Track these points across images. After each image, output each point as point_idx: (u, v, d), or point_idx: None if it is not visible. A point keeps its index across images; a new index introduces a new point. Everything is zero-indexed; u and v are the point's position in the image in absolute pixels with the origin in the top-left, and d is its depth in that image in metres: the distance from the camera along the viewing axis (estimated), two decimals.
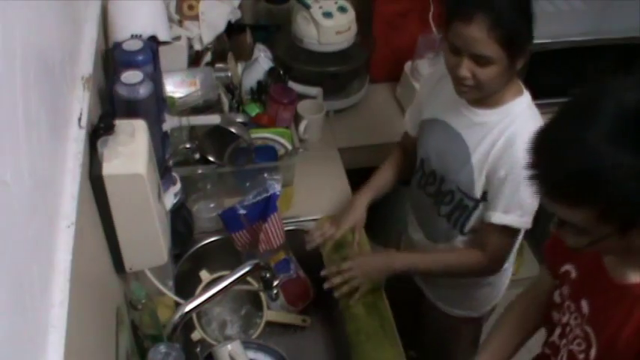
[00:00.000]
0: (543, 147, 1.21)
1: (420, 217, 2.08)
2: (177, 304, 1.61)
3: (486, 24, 1.57)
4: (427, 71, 2.45)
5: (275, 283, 1.67)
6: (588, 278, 1.41)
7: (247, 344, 1.78)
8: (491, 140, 1.76)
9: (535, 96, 2.65)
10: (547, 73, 2.56)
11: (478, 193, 1.82)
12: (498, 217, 1.78)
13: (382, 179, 2.12)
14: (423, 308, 2.26)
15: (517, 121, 1.74)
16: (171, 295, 1.64)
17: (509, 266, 2.06)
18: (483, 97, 1.75)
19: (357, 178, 2.28)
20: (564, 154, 1.15)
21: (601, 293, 1.36)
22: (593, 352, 1.35)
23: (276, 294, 1.71)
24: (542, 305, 1.57)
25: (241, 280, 1.60)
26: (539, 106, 2.65)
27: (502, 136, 1.74)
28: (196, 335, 1.89)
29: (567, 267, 1.47)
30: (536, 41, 2.43)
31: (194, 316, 1.86)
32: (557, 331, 1.47)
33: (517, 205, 1.75)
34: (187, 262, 1.99)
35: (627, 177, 1.08)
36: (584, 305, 1.38)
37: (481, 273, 2.00)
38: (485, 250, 1.86)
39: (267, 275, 1.65)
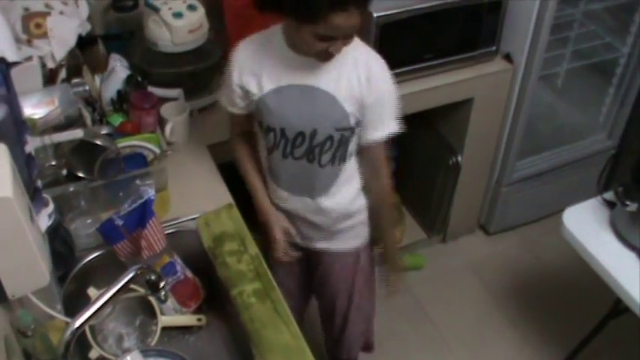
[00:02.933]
0: None
1: (294, 181, 2.16)
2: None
3: (359, 9, 1.72)
4: None
5: (162, 284, 1.67)
6: None
7: (146, 352, 1.78)
8: (348, 74, 1.93)
9: (389, 66, 2.75)
10: (397, 42, 2.64)
11: (353, 122, 1.99)
12: (388, 128, 2.04)
13: (256, 171, 2.23)
14: (319, 269, 2.42)
15: (357, 49, 1.94)
16: (60, 317, 1.62)
17: None
18: None
19: (230, 171, 2.30)
20: None
21: None
22: None
23: (165, 295, 1.72)
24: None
25: (128, 287, 1.59)
26: (394, 75, 2.76)
27: (357, 66, 1.93)
28: (94, 354, 1.87)
29: None
30: (382, 13, 2.53)
31: (89, 334, 1.84)
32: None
33: (394, 112, 2.03)
34: (73, 282, 1.95)
35: None
36: None
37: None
38: (384, 162, 2.14)
39: (153, 278, 1.65)
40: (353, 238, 2.32)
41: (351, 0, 1.70)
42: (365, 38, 2.58)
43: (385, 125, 2.03)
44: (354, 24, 1.75)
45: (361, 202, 2.24)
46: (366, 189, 2.22)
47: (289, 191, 2.18)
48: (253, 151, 2.21)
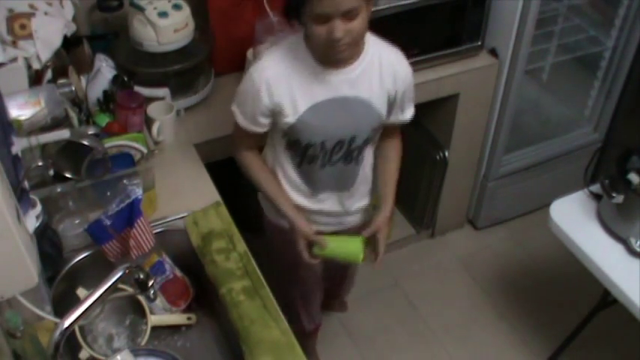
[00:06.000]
0: None
1: (331, 185, 2.20)
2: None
3: None
4: None
5: (150, 283, 1.67)
6: None
7: (137, 352, 1.79)
8: (377, 78, 1.99)
9: None
10: (384, 38, 2.64)
11: (385, 116, 2.08)
12: (408, 115, 2.18)
13: (272, 180, 2.20)
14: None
15: (379, 49, 2.00)
16: (49, 317, 1.62)
17: None
18: (354, 50, 1.92)
19: (217, 170, 2.31)
20: None
21: None
22: None
23: (154, 294, 1.72)
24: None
25: (116, 286, 1.59)
26: None
27: (382, 68, 1.99)
28: (84, 354, 1.87)
29: None
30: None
31: (79, 335, 1.84)
32: None
33: (412, 99, 2.16)
34: (62, 282, 1.95)
35: None
36: None
37: None
38: (398, 135, 2.26)
39: (141, 276, 1.65)
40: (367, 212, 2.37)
41: None
42: None
43: (408, 109, 2.16)
44: None
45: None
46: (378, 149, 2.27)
47: (327, 191, 2.21)
48: (263, 163, 2.21)
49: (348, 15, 1.76)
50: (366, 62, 1.97)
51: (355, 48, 1.91)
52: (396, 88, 2.04)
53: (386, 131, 2.20)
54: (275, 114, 1.99)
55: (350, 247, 2.17)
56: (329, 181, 2.17)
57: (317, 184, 2.18)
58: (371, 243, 2.22)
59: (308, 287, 2.58)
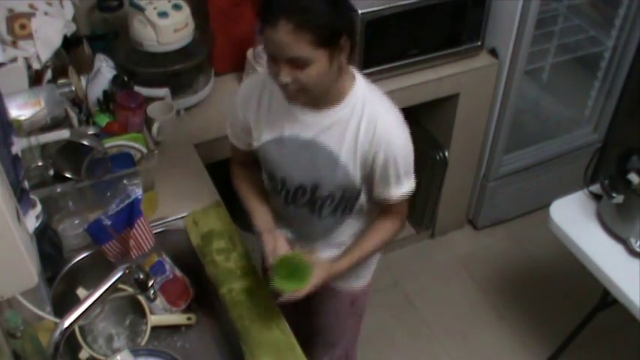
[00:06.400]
0: None
1: (294, 225, 2.05)
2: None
3: (291, 26, 1.52)
4: None
5: (150, 283, 1.67)
6: None
7: (137, 352, 1.79)
8: (352, 134, 1.76)
9: (375, 63, 2.76)
10: (382, 39, 2.65)
11: (358, 183, 1.85)
12: (396, 192, 1.85)
13: (253, 194, 2.05)
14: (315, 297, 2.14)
15: (366, 104, 1.76)
16: (49, 317, 1.62)
17: None
18: (318, 97, 1.72)
19: (217, 170, 2.31)
20: None
21: None
22: None
23: (154, 294, 1.72)
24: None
25: (116, 286, 1.59)
26: (379, 72, 2.76)
27: (361, 125, 1.75)
28: (84, 354, 1.87)
29: None
30: (367, 10, 2.54)
31: (78, 335, 1.84)
32: None
33: (404, 174, 1.82)
34: (62, 282, 1.96)
35: None
36: None
37: (399, 231, 2.05)
38: (396, 217, 1.95)
39: (141, 276, 1.65)
40: (353, 279, 2.19)
41: (280, 13, 1.53)
42: None
43: (398, 184, 1.84)
44: (287, 42, 1.55)
45: None
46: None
47: (290, 233, 2.06)
48: (252, 174, 2.07)
49: (295, 63, 1.58)
50: (344, 112, 1.76)
51: (311, 96, 1.70)
52: (374, 152, 1.77)
53: (381, 207, 1.97)
54: (248, 131, 1.91)
55: (294, 286, 1.84)
56: (292, 221, 2.04)
57: (282, 219, 2.04)
58: None
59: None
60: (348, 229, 2.03)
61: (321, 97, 1.73)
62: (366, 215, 2.01)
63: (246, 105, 1.87)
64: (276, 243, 1.89)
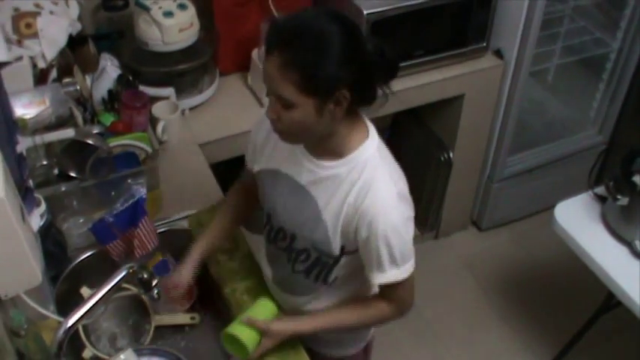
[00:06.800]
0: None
1: (274, 268, 1.90)
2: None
3: (280, 61, 1.42)
4: None
5: (154, 282, 1.67)
6: None
7: (140, 351, 1.79)
8: (341, 195, 1.59)
9: None
10: (387, 40, 2.64)
11: (336, 250, 1.67)
12: (379, 278, 1.64)
13: (220, 224, 1.94)
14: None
15: (367, 169, 1.58)
16: (53, 316, 1.62)
17: None
18: (317, 145, 1.60)
19: (222, 170, 2.31)
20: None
21: None
22: None
23: (158, 294, 1.71)
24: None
25: (120, 285, 1.59)
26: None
27: (352, 190, 1.58)
28: (87, 353, 1.87)
29: None
30: (372, 10, 2.54)
31: (82, 334, 1.84)
32: None
33: (389, 261, 1.60)
34: (66, 281, 1.95)
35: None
36: None
37: (394, 319, 1.81)
38: (391, 303, 1.73)
39: (145, 276, 1.64)
40: (336, 347, 2.00)
41: (276, 43, 1.43)
42: None
43: (380, 270, 1.63)
44: (274, 77, 1.44)
45: None
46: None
47: (270, 272, 1.92)
48: (245, 198, 1.96)
49: (281, 101, 1.46)
50: (343, 170, 1.59)
51: (297, 140, 1.60)
52: (356, 224, 1.59)
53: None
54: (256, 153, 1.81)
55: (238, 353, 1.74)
56: (271, 261, 1.90)
57: (266, 255, 1.91)
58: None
59: None
60: (318, 302, 1.82)
61: (318, 145, 1.60)
62: (342, 294, 1.81)
63: (259, 126, 1.77)
64: (180, 280, 1.83)
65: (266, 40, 1.46)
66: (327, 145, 1.59)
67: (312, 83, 1.43)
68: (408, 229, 1.62)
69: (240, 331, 1.71)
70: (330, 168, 1.61)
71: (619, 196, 2.25)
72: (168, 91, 2.43)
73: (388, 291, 1.69)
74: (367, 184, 1.57)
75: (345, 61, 1.44)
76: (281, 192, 1.72)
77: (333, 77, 1.44)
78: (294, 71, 1.42)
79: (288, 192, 1.70)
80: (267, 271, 1.92)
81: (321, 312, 1.81)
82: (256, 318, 1.73)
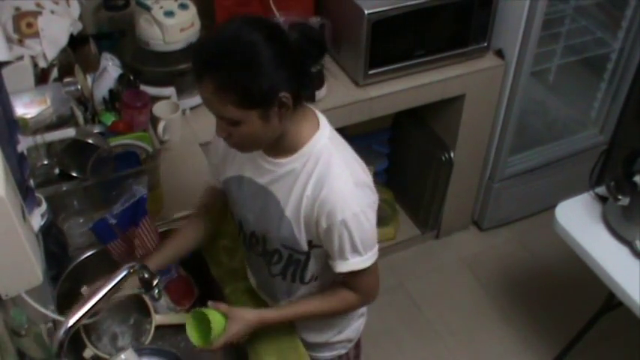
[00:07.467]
0: None
1: (255, 275, 1.94)
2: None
3: (213, 85, 1.42)
4: None
5: (155, 282, 1.67)
6: None
7: (141, 351, 1.79)
8: (299, 189, 1.60)
9: (381, 63, 2.75)
10: (388, 39, 2.65)
11: (304, 246, 1.68)
12: (341, 266, 1.64)
13: (175, 245, 1.89)
14: None
15: (320, 160, 1.58)
16: (54, 316, 1.62)
17: None
18: (272, 146, 1.60)
19: None
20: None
21: None
22: None
23: (159, 293, 1.71)
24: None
25: (121, 285, 1.59)
26: (385, 73, 2.75)
27: (309, 183, 1.58)
28: (88, 353, 1.87)
29: None
30: (373, 10, 2.54)
31: (83, 334, 1.84)
32: None
33: (350, 250, 1.61)
34: (67, 281, 1.96)
35: None
36: None
37: (360, 307, 1.91)
38: (356, 292, 1.73)
39: (146, 276, 1.64)
40: (314, 332, 1.96)
41: (204, 70, 1.42)
42: (355, 37, 2.61)
43: (342, 258, 1.63)
44: (212, 101, 1.45)
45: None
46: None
47: (254, 279, 1.96)
48: (203, 226, 1.92)
49: (227, 121, 1.48)
50: (297, 164, 1.60)
51: (253, 148, 1.61)
52: (316, 216, 1.59)
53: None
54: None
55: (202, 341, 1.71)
56: (252, 268, 1.94)
57: (247, 263, 1.97)
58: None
59: None
60: (308, 295, 1.82)
61: (273, 145, 1.59)
62: (320, 290, 1.81)
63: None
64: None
65: (193, 67, 1.46)
66: (280, 144, 1.59)
67: (250, 98, 1.43)
68: (369, 216, 1.61)
69: (208, 311, 1.69)
70: (285, 164, 1.62)
71: (620, 196, 2.24)
72: (169, 91, 2.43)
73: (352, 279, 1.69)
74: (323, 175, 1.57)
75: (276, 67, 1.43)
76: (246, 196, 1.73)
77: (269, 86, 1.43)
78: (230, 92, 1.42)
79: (252, 195, 1.71)
80: (252, 279, 1.97)
81: (287, 304, 1.83)
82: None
